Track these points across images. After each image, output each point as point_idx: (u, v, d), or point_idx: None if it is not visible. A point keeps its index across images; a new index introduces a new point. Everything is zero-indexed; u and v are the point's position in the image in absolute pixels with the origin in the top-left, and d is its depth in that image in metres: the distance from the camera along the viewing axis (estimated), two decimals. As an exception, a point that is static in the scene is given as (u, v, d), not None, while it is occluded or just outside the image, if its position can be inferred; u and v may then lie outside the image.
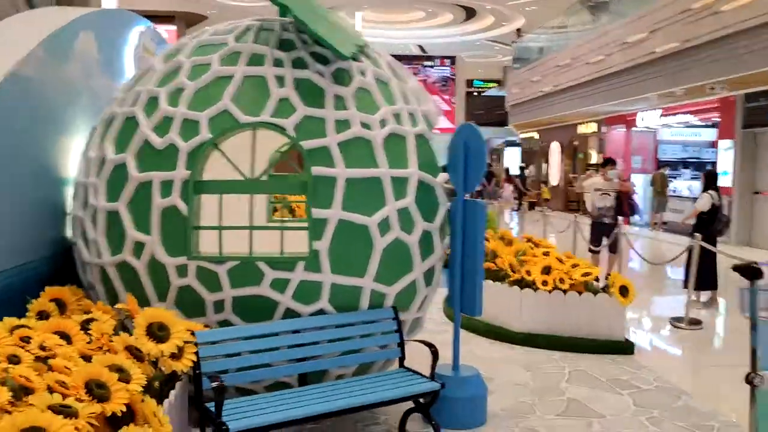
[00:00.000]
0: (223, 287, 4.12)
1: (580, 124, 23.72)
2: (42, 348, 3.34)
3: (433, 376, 4.26)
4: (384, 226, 4.31)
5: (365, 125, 4.37)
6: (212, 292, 4.14)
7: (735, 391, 4.53)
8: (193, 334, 3.74)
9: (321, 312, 4.24)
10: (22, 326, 3.61)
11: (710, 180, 8.75)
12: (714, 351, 7.08)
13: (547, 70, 21.94)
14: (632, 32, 15.73)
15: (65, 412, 2.57)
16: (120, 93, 4.76)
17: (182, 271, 4.15)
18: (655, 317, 8.36)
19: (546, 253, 7.11)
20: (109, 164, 4.37)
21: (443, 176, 4.75)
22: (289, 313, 4.20)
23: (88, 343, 3.54)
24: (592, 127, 23.14)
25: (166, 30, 31.65)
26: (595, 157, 23.49)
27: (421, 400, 4.25)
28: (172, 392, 3.51)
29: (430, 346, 4.36)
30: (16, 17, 5.09)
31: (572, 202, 25.00)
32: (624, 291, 6.28)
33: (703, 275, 7.89)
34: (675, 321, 7.57)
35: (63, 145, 4.93)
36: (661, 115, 18.43)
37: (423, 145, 4.68)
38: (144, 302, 4.22)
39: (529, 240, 7.91)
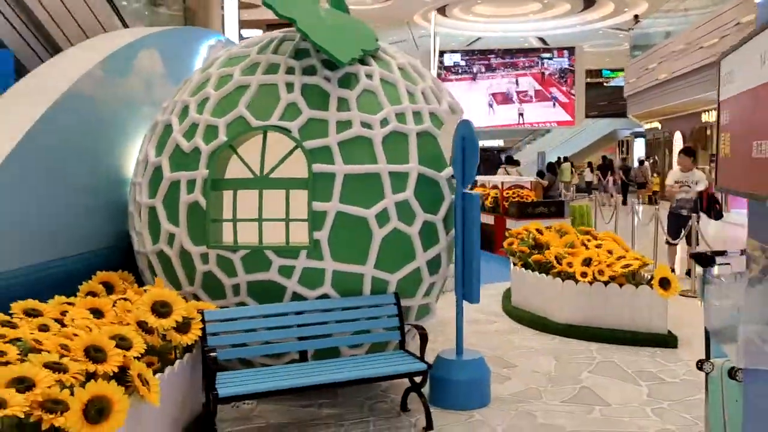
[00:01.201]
0: (238, 273, 4.66)
1: (704, 112, 22.41)
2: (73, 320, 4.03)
3: (422, 358, 4.53)
4: (382, 217, 4.65)
5: (366, 125, 4.73)
6: (230, 277, 4.69)
7: None
8: (200, 312, 4.30)
9: (325, 296, 4.67)
10: (69, 303, 4.35)
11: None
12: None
13: (663, 57, 20.95)
14: (746, 12, 14.77)
15: (55, 367, 3.17)
16: (165, 103, 5.43)
17: (205, 258, 4.73)
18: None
19: (599, 246, 7.09)
20: (151, 166, 5.04)
21: (449, 171, 5.00)
22: (297, 297, 4.66)
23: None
24: (715, 116, 21.81)
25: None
26: (720, 147, 22.13)
27: (416, 379, 4.54)
28: (178, 361, 4.08)
29: (419, 328, 4.65)
30: (83, 43, 5.92)
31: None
32: (665, 284, 6.16)
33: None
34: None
35: (124, 151, 5.70)
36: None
37: (427, 142, 4.95)
38: (177, 286, 4.86)
39: (587, 232, 7.88)
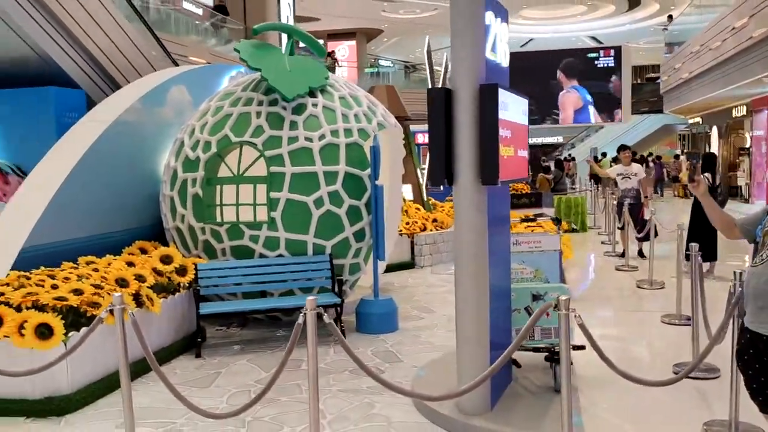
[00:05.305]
0: (224, 240, 6.95)
1: (734, 107, 23.28)
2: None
3: (340, 295, 6.70)
4: (319, 202, 6.84)
5: (308, 139, 6.93)
6: (218, 243, 6.99)
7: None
8: (194, 264, 6.64)
9: (281, 256, 6.91)
10: (114, 259, 6.78)
11: (707, 163, 9.82)
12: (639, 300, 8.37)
13: (685, 57, 22.05)
14: (738, 17, 15.98)
15: (96, 286, 5.55)
16: (183, 125, 7.80)
17: (203, 231, 7.05)
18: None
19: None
20: (170, 169, 7.40)
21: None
22: (262, 256, 6.92)
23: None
24: (743, 111, 22.67)
25: (348, 45, 35.92)
26: (749, 141, 22.98)
27: (337, 310, 6.71)
28: (177, 293, 6.43)
29: (340, 277, 6.81)
30: (133, 83, 8.39)
31: (734, 188, 24.55)
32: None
33: (704, 247, 9.01)
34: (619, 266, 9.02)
35: (158, 159, 8.12)
36: (793, 96, 18.05)
37: (354, 150, 7.10)
38: (188, 250, 7.20)
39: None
